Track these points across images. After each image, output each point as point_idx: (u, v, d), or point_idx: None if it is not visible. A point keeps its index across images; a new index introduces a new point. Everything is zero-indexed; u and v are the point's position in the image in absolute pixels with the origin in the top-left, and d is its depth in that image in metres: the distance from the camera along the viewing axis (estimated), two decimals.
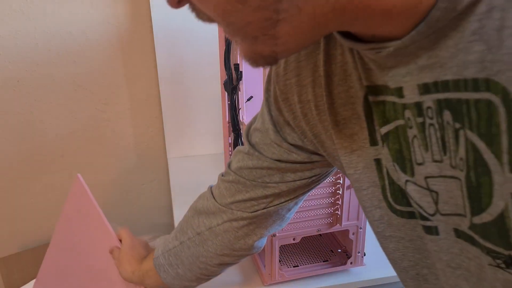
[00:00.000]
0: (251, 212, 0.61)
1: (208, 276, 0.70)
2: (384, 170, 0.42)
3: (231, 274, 0.88)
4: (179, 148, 1.39)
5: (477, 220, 0.34)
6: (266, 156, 0.56)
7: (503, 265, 0.34)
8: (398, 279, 0.93)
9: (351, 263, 0.87)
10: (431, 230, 0.40)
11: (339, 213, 0.81)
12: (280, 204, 0.61)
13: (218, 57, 0.99)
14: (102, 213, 0.78)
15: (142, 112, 1.35)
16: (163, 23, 1.22)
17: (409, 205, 0.41)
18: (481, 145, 0.31)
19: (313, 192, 0.79)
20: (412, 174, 0.38)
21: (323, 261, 0.89)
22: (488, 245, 0.34)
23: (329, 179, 0.78)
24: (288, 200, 0.60)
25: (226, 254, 0.66)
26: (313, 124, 0.48)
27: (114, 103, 1.32)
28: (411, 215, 0.42)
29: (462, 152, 0.33)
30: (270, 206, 0.61)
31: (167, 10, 1.21)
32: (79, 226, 0.84)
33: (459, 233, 0.37)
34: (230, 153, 1.07)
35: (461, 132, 0.32)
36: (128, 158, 1.40)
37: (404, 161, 0.39)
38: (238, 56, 0.94)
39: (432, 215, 0.39)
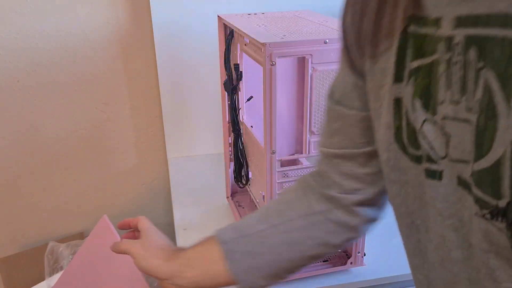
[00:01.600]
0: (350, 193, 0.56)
1: (291, 273, 0.60)
2: (403, 110, 0.42)
3: None
4: (179, 148, 1.39)
5: (476, 166, 0.34)
6: (350, 107, 0.53)
7: (488, 216, 0.34)
8: (398, 279, 0.93)
9: (351, 263, 0.87)
10: (435, 175, 0.40)
11: None
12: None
13: (218, 57, 0.99)
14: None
15: (142, 112, 1.35)
16: (163, 23, 1.22)
17: (418, 148, 0.41)
18: (496, 86, 0.31)
19: None
20: (434, 113, 0.38)
21: (323, 261, 0.89)
22: (479, 193, 0.34)
23: None
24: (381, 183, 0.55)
25: (327, 243, 0.58)
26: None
27: (114, 103, 1.32)
28: (418, 160, 0.42)
29: (479, 94, 0.32)
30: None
31: (167, 10, 1.21)
32: (100, 258, 0.84)
33: (461, 181, 0.37)
34: (230, 153, 1.07)
35: (482, 72, 0.32)
36: (128, 158, 1.40)
37: (429, 98, 0.39)
38: (238, 56, 0.94)
39: (442, 158, 0.38)
